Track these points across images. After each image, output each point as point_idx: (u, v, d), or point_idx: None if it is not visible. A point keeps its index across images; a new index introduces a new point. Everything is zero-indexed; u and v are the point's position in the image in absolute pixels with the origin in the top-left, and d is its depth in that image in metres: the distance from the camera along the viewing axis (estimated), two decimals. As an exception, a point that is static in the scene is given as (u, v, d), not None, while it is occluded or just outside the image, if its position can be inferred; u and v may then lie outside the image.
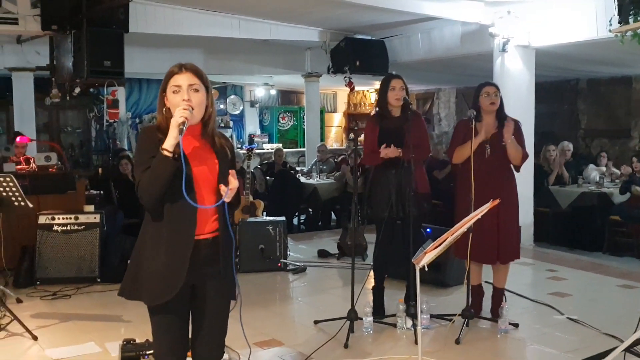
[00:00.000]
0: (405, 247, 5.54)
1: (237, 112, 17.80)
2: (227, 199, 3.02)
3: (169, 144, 2.90)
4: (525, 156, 5.57)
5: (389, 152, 5.54)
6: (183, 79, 3.02)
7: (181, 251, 3.00)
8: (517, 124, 5.61)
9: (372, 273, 5.96)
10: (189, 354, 3.23)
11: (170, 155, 2.89)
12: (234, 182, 3.02)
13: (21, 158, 8.07)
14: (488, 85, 5.64)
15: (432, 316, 5.66)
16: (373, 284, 5.97)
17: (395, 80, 5.67)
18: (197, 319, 3.18)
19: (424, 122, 5.90)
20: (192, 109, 2.97)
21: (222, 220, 3.09)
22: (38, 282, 6.93)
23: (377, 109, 5.92)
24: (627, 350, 4.15)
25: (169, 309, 3.05)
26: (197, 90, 3.03)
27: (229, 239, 3.13)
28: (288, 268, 7.71)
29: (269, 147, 16.65)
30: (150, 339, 3.88)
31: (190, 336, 3.23)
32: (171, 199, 2.98)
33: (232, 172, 3.06)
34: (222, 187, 3.02)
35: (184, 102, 2.96)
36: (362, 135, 7.25)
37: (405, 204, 5.55)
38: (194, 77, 3.04)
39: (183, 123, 2.89)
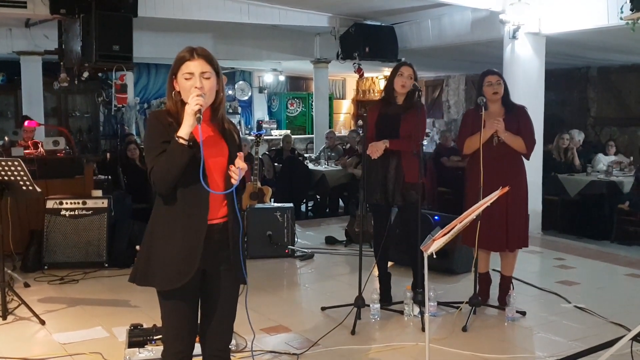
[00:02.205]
0: (400, 233, 5.55)
1: (246, 98, 17.76)
2: (234, 181, 2.98)
3: (184, 132, 2.89)
4: (530, 144, 5.51)
5: (373, 153, 5.49)
6: (195, 67, 2.99)
7: (195, 236, 3.00)
8: (523, 110, 5.58)
9: (378, 260, 5.96)
10: (197, 339, 3.23)
11: (185, 143, 2.88)
12: (242, 163, 2.99)
13: (29, 142, 8.07)
14: (490, 75, 5.57)
15: (439, 303, 5.65)
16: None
17: (405, 67, 5.63)
18: (207, 305, 3.17)
19: (421, 114, 5.64)
20: (204, 94, 2.95)
21: (231, 206, 3.09)
22: (46, 267, 6.96)
23: (384, 93, 5.89)
24: (635, 339, 4.13)
25: (180, 294, 3.05)
26: (208, 78, 3.01)
27: (237, 225, 3.12)
28: (295, 254, 7.71)
29: (277, 134, 16.61)
30: (158, 324, 3.89)
31: (199, 321, 3.22)
32: (184, 184, 2.97)
33: (240, 154, 3.04)
34: (233, 167, 2.99)
35: (195, 90, 2.94)
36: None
37: (387, 191, 5.59)
38: (206, 65, 3.01)
39: (199, 111, 2.87)
